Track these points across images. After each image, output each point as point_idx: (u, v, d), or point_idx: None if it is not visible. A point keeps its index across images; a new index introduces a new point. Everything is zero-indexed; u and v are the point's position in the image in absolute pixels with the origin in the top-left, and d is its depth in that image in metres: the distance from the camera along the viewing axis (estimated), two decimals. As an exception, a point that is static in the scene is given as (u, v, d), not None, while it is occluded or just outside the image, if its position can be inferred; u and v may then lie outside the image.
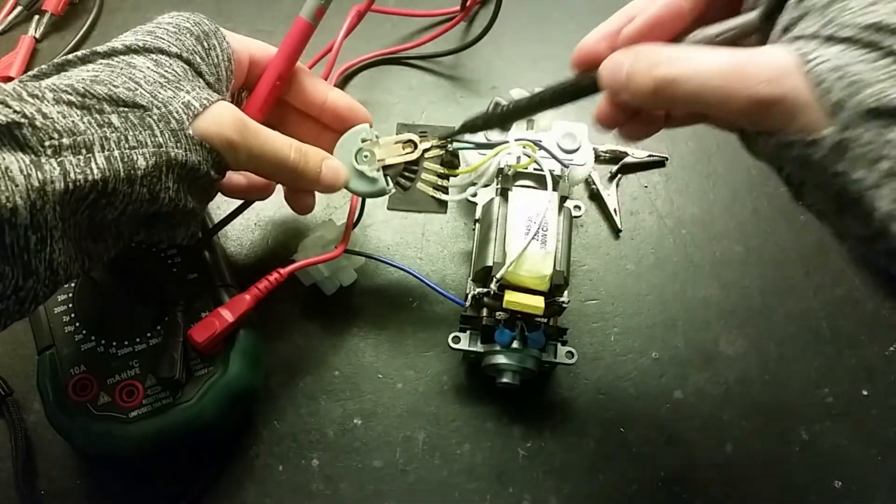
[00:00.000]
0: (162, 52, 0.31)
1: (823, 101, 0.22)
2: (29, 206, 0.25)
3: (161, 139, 0.29)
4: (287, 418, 0.41)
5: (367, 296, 0.45)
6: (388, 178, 0.38)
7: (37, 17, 0.55)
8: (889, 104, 0.21)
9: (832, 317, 0.46)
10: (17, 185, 0.24)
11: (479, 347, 0.40)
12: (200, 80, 0.32)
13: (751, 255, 0.48)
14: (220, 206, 0.46)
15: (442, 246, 0.47)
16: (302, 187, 0.37)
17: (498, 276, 0.37)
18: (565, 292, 0.40)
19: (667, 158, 0.51)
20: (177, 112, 0.29)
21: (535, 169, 0.42)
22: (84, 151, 0.26)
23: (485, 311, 0.39)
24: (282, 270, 0.39)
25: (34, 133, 0.25)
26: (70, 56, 0.30)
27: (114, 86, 0.28)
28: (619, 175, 0.50)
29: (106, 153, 0.27)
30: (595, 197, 0.50)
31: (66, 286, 0.37)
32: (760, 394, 0.43)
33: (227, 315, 0.36)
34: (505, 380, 0.39)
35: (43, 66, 0.29)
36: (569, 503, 0.40)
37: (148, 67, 0.30)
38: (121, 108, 0.28)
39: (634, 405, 0.43)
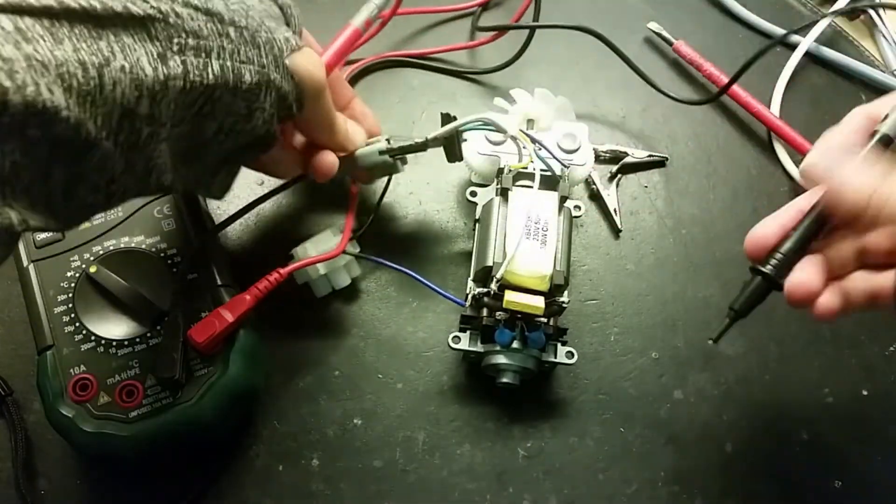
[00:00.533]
0: None
1: None
2: (149, 99, 0.26)
3: (265, 60, 0.31)
4: (287, 418, 0.41)
5: (366, 296, 0.45)
6: (398, 161, 0.41)
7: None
8: None
9: (832, 317, 0.46)
10: (145, 76, 0.26)
11: (479, 347, 0.40)
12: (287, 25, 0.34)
13: (751, 255, 0.48)
14: (220, 206, 0.47)
15: (442, 246, 0.47)
16: (335, 141, 0.39)
17: (497, 275, 0.37)
18: (565, 292, 0.40)
19: (667, 158, 0.51)
20: (279, 41, 0.31)
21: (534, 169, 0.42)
22: (203, 55, 0.28)
23: (485, 311, 0.39)
24: (282, 270, 0.39)
25: (165, 29, 0.27)
26: None
27: (229, 6, 0.30)
28: (619, 175, 0.50)
29: (220, 61, 0.29)
30: (595, 197, 0.49)
31: (66, 286, 0.37)
32: (760, 394, 0.43)
33: (227, 315, 0.36)
34: (505, 380, 0.39)
35: None
36: (569, 503, 0.40)
37: (256, 0, 0.32)
38: (235, 26, 0.30)
39: (634, 405, 0.43)
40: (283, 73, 0.31)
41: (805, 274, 0.31)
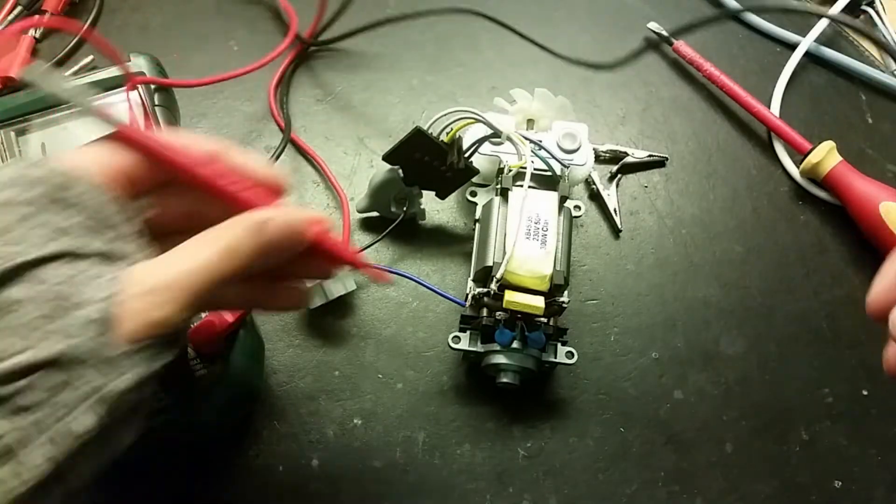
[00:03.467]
0: (32, 265, 0.21)
1: None
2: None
3: (87, 388, 0.21)
4: (287, 418, 0.41)
5: (366, 296, 0.45)
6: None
7: (37, 17, 0.55)
8: None
9: (832, 317, 0.46)
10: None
11: (479, 347, 0.40)
12: (89, 263, 0.22)
13: (751, 255, 0.48)
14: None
15: (442, 246, 0.47)
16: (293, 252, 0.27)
17: (497, 275, 0.37)
18: (565, 292, 0.40)
19: (667, 158, 0.51)
20: (86, 344, 0.21)
21: (535, 169, 0.42)
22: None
23: (485, 311, 0.39)
24: (282, 270, 0.39)
25: None
26: None
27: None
28: (619, 175, 0.50)
29: (34, 445, 0.20)
30: (595, 197, 0.49)
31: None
32: (760, 394, 0.43)
33: (227, 315, 0.36)
34: (505, 380, 0.39)
35: None
36: (569, 503, 0.40)
37: (28, 300, 0.21)
38: (26, 380, 0.20)
39: (634, 405, 0.43)
40: (123, 366, 0.22)
41: None
